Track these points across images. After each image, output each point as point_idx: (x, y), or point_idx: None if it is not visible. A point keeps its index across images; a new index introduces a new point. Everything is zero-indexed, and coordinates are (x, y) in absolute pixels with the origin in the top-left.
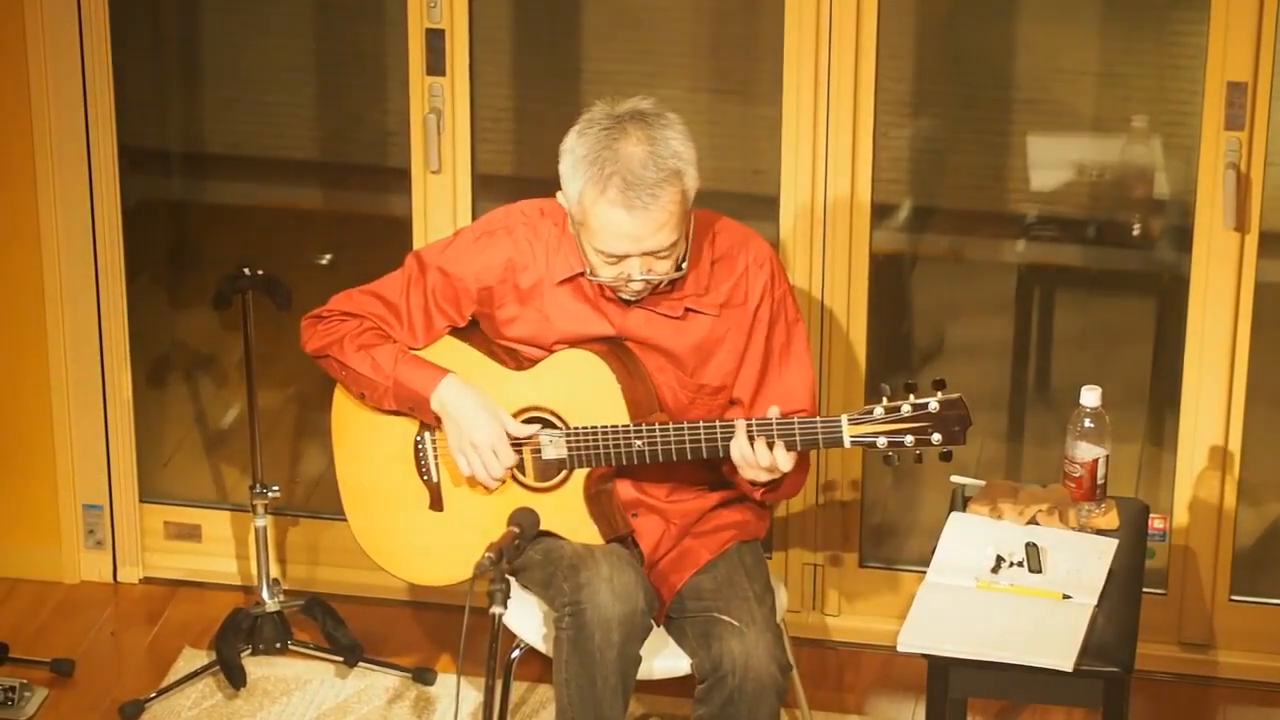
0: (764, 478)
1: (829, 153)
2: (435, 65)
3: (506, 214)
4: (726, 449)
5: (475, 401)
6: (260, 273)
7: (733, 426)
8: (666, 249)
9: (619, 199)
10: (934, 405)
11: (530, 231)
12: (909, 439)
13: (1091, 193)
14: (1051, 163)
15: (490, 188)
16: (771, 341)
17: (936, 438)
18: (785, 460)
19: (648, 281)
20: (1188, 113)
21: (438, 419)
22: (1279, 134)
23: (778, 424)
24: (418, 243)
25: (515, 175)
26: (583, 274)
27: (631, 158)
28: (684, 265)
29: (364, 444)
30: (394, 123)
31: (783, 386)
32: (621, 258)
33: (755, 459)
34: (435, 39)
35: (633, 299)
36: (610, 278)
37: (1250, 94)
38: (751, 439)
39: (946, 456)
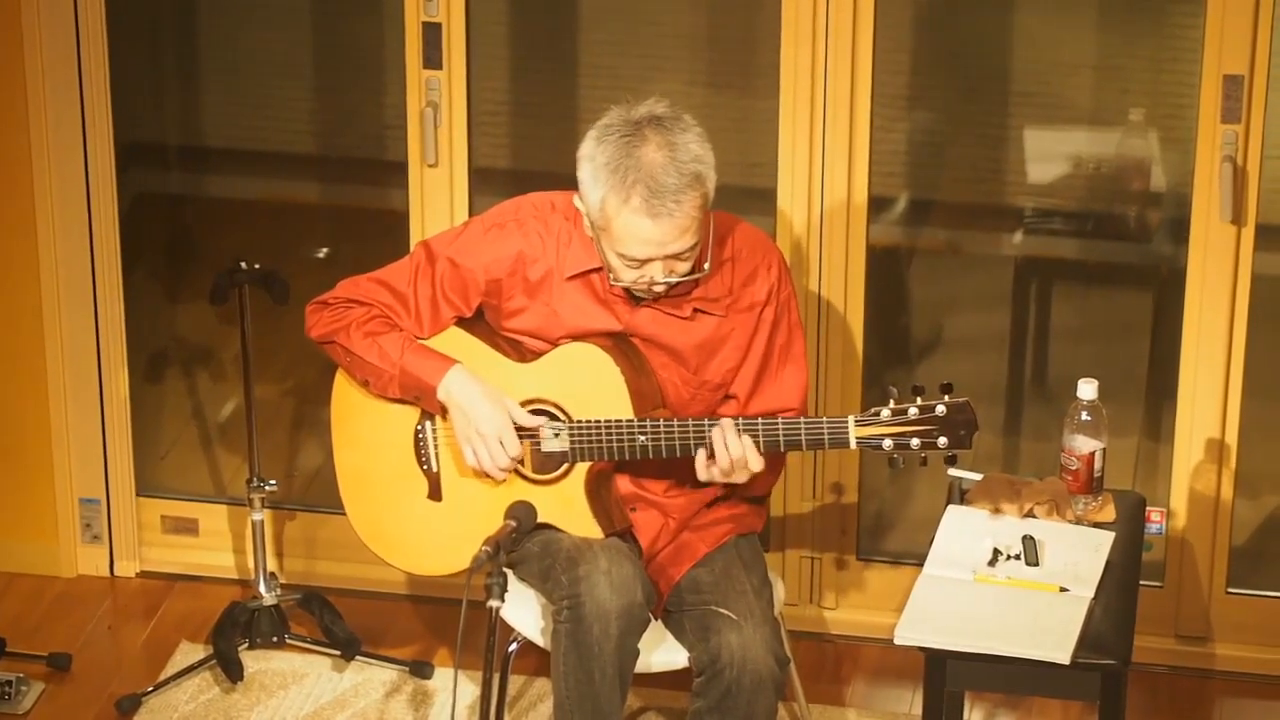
0: (735, 478)
1: (826, 146)
2: (432, 59)
3: (517, 206)
4: None
5: (482, 392)
6: (257, 267)
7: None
8: (688, 251)
9: (643, 207)
10: (941, 409)
11: (541, 225)
12: (915, 442)
13: (1088, 186)
14: (1049, 156)
15: (487, 181)
16: (774, 342)
17: (943, 442)
18: (755, 460)
19: (669, 284)
20: (1185, 106)
21: (442, 409)
22: (1275, 127)
23: (784, 424)
24: (414, 236)
25: (512, 169)
26: (593, 271)
27: (653, 164)
28: (707, 266)
29: (363, 431)
30: (391, 116)
31: (779, 385)
32: (644, 262)
33: (728, 454)
34: (432, 33)
35: (652, 299)
36: (631, 280)
37: (1247, 87)
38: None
39: (951, 460)
